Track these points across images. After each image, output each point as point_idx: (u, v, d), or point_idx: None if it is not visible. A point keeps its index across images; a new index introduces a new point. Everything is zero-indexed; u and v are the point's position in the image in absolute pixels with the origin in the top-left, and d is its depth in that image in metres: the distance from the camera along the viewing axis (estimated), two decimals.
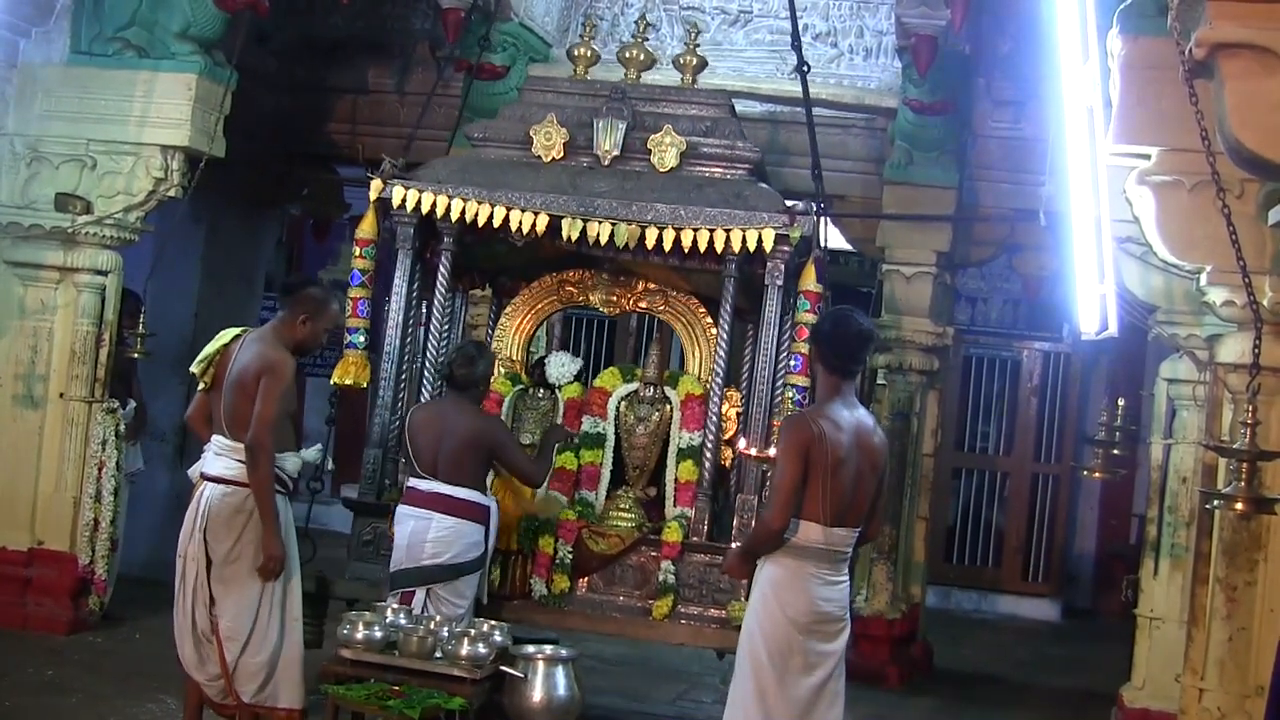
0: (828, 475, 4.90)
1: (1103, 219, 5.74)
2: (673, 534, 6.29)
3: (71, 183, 7.73)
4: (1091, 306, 5.96)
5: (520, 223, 6.29)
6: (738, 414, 6.65)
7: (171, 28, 7.59)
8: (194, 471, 5.89)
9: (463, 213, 6.35)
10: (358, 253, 6.62)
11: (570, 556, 6.33)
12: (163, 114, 7.62)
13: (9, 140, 7.81)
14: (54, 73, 7.77)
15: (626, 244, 6.27)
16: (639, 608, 6.37)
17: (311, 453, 6.07)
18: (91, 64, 7.72)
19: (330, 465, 7.14)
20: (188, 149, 7.67)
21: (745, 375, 6.74)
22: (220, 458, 5.70)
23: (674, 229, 6.21)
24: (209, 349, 5.89)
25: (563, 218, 6.28)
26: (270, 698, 5.69)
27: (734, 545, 5.59)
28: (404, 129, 9.45)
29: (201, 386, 5.87)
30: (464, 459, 6.10)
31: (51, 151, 7.77)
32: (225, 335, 5.93)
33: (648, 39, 7.04)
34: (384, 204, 6.51)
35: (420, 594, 6.05)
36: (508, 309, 7.20)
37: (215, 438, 5.76)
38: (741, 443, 6.29)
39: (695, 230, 6.20)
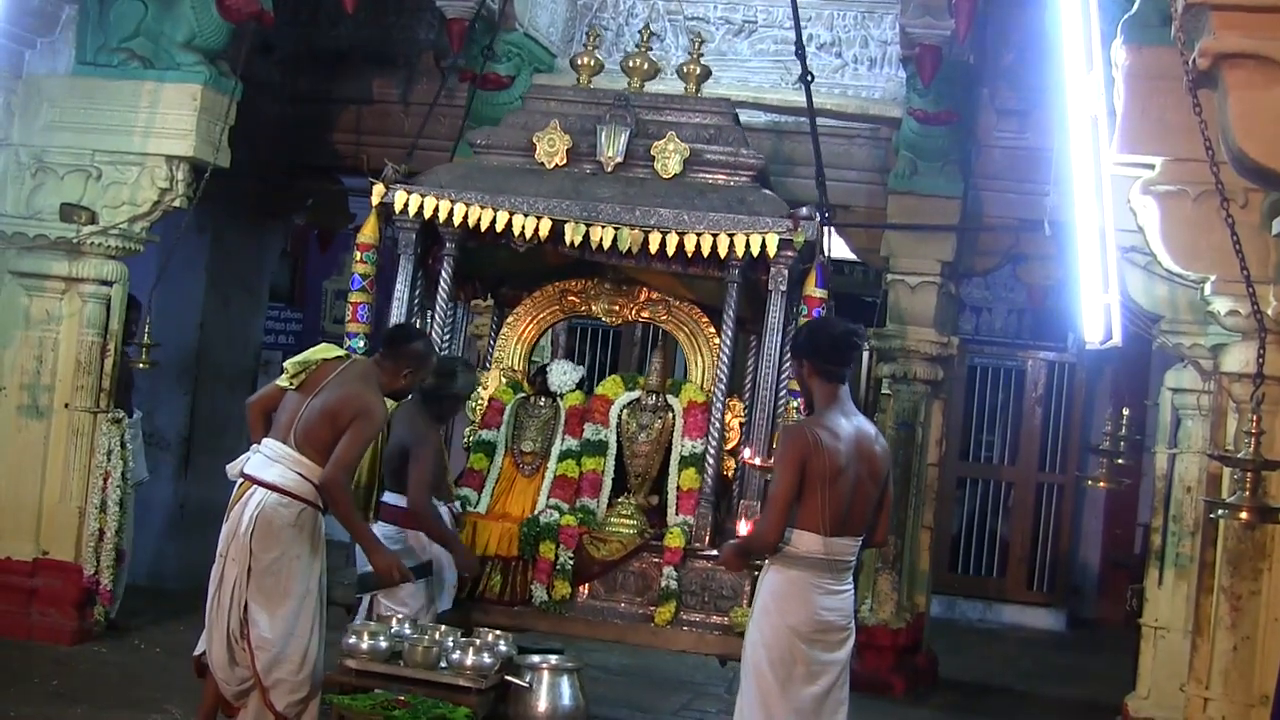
0: (826, 485, 4.88)
1: (1107, 229, 5.75)
2: (675, 540, 6.26)
3: (76, 193, 7.74)
4: (1096, 316, 5.97)
5: (523, 227, 6.31)
6: (740, 424, 6.64)
7: (176, 38, 7.62)
8: (233, 469, 5.67)
9: (465, 218, 6.36)
10: (358, 257, 6.64)
11: (571, 562, 6.27)
12: (167, 124, 7.64)
13: (14, 151, 7.83)
14: (59, 83, 7.79)
15: (629, 249, 6.29)
16: (641, 614, 6.32)
17: None
18: (96, 74, 7.73)
19: None
20: (192, 159, 7.69)
21: (748, 384, 6.75)
22: (276, 465, 5.54)
23: (677, 233, 6.23)
24: (310, 356, 5.77)
25: (565, 222, 6.31)
26: (308, 714, 5.60)
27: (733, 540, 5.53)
28: (408, 139, 9.48)
29: (289, 385, 5.70)
30: (391, 465, 6.15)
31: (56, 162, 7.78)
32: (327, 350, 5.83)
33: (651, 49, 7.09)
34: (385, 209, 6.52)
35: (366, 600, 6.06)
36: (509, 318, 7.22)
37: (273, 443, 5.59)
38: (746, 452, 6.29)
39: (698, 235, 6.22)
